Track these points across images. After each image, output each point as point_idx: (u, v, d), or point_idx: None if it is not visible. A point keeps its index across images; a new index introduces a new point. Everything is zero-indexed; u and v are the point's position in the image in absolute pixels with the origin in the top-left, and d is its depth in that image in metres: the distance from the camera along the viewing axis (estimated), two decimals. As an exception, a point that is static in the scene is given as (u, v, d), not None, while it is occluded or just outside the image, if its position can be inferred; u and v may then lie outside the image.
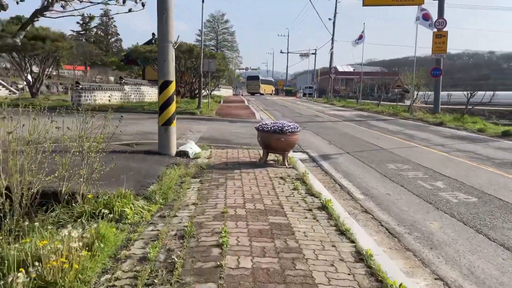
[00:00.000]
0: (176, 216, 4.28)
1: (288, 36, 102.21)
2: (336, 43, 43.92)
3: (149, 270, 3.00)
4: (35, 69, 22.32)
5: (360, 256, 3.38)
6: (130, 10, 6.56)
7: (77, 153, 4.49)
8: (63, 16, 6.45)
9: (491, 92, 20.99)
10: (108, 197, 4.26)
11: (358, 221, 4.79)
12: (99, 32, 71.73)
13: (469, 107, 18.37)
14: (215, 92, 40.82)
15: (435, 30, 19.47)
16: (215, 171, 6.45)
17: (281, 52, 75.05)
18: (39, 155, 4.03)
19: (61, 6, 6.24)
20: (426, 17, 19.85)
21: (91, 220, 3.75)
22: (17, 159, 3.82)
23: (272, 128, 6.85)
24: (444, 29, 19.28)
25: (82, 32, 64.65)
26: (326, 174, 7.31)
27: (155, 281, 2.87)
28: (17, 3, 5.97)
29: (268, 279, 2.93)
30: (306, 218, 4.32)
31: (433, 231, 4.54)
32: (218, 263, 3.13)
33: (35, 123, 4.12)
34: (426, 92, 31.02)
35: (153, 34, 28.74)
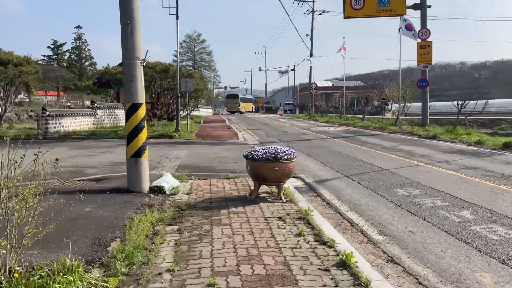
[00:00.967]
0: (144, 295, 3.04)
1: (266, 53, 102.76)
2: (314, 59, 43.59)
3: None
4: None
5: None
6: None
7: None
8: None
9: (474, 102, 20.53)
10: (45, 273, 2.99)
11: (388, 276, 3.65)
12: (72, 56, 69.95)
13: (461, 117, 17.70)
14: (195, 113, 39.62)
15: (419, 40, 18.96)
16: (198, 212, 5.23)
17: (259, 70, 74.96)
18: None
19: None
20: (409, 27, 19.35)
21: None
22: None
23: (264, 155, 5.71)
24: (428, 39, 18.79)
25: (54, 57, 62.80)
26: (328, 206, 6.17)
27: None
28: None
29: None
30: (325, 287, 3.14)
31: (491, 289, 3.43)
32: None
33: None
34: (406, 104, 30.65)
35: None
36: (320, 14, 43.83)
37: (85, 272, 3.18)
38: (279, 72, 60.93)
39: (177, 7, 17.41)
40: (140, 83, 6.32)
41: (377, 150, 12.44)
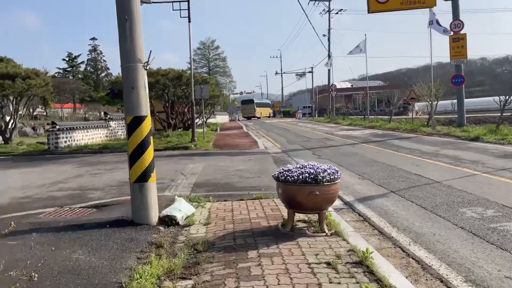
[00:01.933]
0: None
1: (281, 57, 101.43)
2: (332, 59, 42.13)
3: None
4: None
5: None
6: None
7: None
8: None
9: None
10: None
11: None
12: (88, 68, 70.31)
13: (505, 114, 15.99)
14: (211, 120, 38.72)
15: (451, 33, 17.42)
16: (218, 256, 4.00)
17: (276, 73, 73.79)
18: None
19: None
20: (438, 23, 17.80)
21: None
22: None
23: (300, 177, 4.45)
24: (462, 31, 17.23)
25: (69, 69, 63.07)
26: (383, 236, 4.87)
27: None
28: None
29: None
30: None
31: None
32: None
33: None
34: (428, 103, 28.90)
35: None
36: (336, 13, 42.42)
37: None
38: (296, 74, 59.70)
39: (188, 9, 16.40)
40: (143, 92, 5.17)
41: (417, 156, 11.01)
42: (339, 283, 3.29)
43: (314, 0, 41.96)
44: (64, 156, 15.28)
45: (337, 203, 6.54)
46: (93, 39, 73.30)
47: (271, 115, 69.58)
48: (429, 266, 3.95)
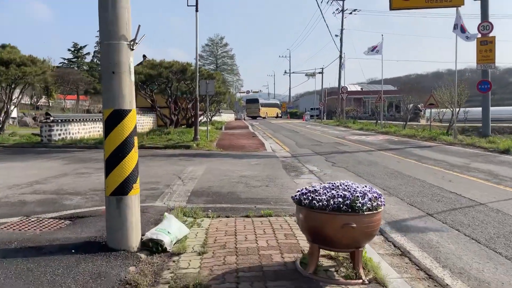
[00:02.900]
0: None
1: (290, 56, 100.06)
2: (344, 60, 40.79)
3: None
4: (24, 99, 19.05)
5: None
6: None
7: None
8: None
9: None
10: None
11: None
12: (94, 59, 69.34)
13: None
14: (216, 118, 37.59)
15: (479, 36, 16.11)
16: (214, 313, 2.81)
17: (285, 72, 72.56)
18: None
19: None
20: (463, 28, 16.45)
21: None
22: None
23: (332, 201, 3.26)
24: (491, 34, 15.92)
25: (74, 60, 62.15)
26: (433, 282, 3.66)
27: None
28: None
29: None
30: None
31: None
32: None
33: None
34: (441, 110, 27.54)
35: (144, 56, 25.62)
36: (350, 13, 41.11)
37: None
38: (305, 74, 58.41)
39: (196, -3, 15.23)
40: (127, 78, 3.99)
41: (445, 169, 9.76)
42: None
43: (328, -1, 40.63)
44: (56, 150, 14.17)
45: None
46: (101, 30, 72.28)
47: (279, 115, 68.34)
48: None
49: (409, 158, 11.83)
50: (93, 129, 18.74)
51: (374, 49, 28.12)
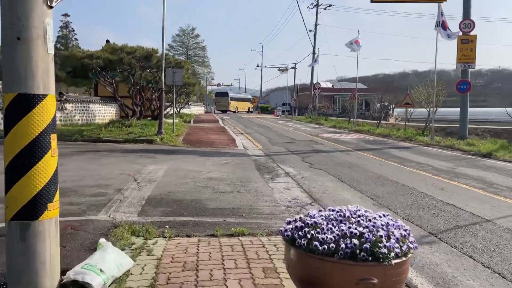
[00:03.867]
0: None
1: (262, 51, 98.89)
2: (317, 56, 40.07)
3: None
4: None
5: None
6: None
7: None
8: None
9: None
10: None
11: None
12: (58, 45, 65.61)
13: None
14: (185, 110, 36.03)
15: (460, 34, 15.56)
16: None
17: (257, 66, 71.49)
18: None
19: None
20: (444, 25, 15.87)
21: None
22: None
23: (342, 243, 2.14)
24: (472, 33, 15.41)
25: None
26: None
27: None
28: None
29: None
30: None
31: None
32: None
33: None
34: (410, 109, 27.31)
35: (107, 40, 23.73)
36: (325, 8, 40.45)
37: None
38: (278, 69, 57.34)
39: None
40: (41, 48, 2.71)
41: (432, 174, 8.95)
42: None
43: (303, -8, 39.71)
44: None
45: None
46: (65, 15, 68.47)
47: (250, 110, 67.30)
48: None
49: (390, 160, 10.99)
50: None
51: (355, 43, 27.44)
